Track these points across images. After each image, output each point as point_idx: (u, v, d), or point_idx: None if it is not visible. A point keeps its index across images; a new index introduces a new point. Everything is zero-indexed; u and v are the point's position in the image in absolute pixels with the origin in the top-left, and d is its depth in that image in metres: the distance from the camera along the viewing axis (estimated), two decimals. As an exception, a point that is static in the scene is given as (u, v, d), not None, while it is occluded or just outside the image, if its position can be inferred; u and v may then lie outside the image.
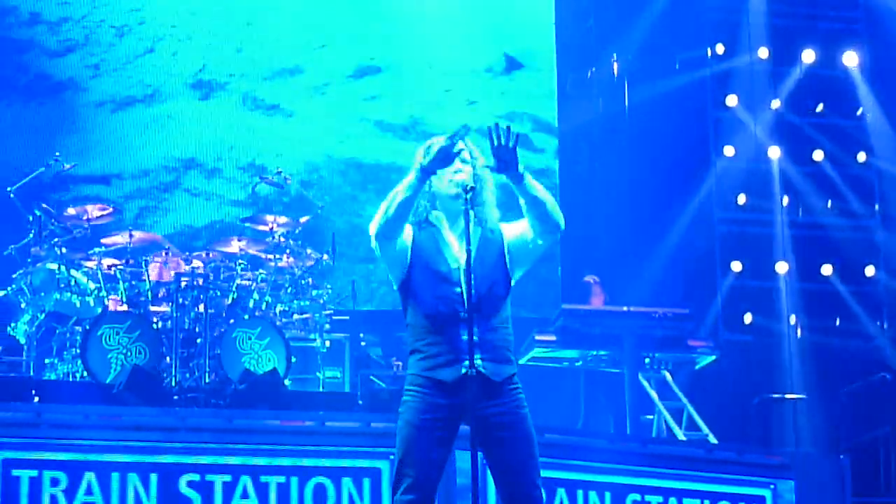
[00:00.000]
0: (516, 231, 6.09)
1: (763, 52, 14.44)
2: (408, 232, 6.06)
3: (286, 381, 10.80)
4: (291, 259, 11.68)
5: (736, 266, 14.17)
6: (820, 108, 14.65)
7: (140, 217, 11.67)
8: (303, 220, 11.91)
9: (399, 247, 6.03)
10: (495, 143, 5.85)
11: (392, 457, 5.98)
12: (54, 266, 11.11)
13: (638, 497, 9.34)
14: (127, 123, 13.80)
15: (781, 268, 14.17)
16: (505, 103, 14.56)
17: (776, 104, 14.43)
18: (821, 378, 13.69)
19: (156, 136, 13.86)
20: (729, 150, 14.35)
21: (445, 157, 5.91)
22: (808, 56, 14.46)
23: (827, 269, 14.29)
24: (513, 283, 6.09)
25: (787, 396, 12.68)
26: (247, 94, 14.21)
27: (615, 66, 14.83)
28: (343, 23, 14.31)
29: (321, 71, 14.28)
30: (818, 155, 14.46)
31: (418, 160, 6.03)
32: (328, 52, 14.29)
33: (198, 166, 13.79)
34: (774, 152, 14.37)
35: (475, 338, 5.82)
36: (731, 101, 14.36)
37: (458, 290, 5.93)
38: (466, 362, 5.82)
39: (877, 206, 14.47)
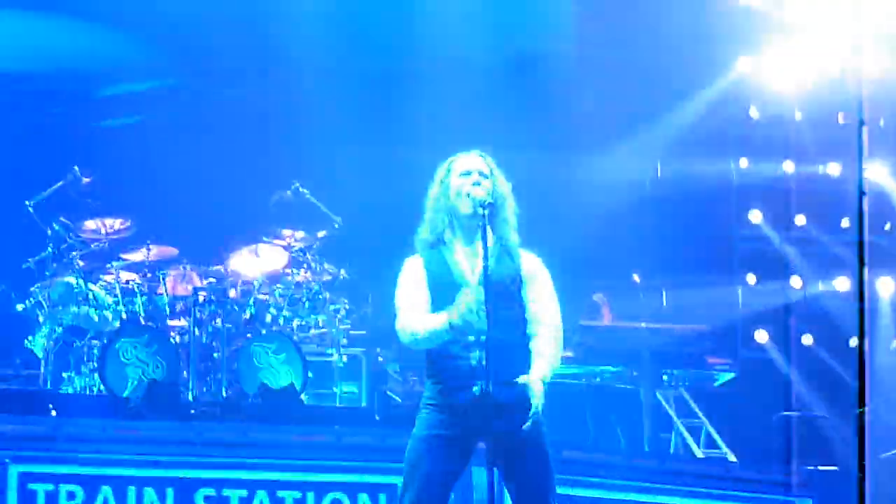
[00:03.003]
0: (532, 288, 6.04)
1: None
2: (418, 266, 6.07)
3: (303, 396, 10.79)
4: (309, 273, 11.68)
5: (751, 279, 14.16)
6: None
7: (158, 231, 11.65)
8: (320, 234, 11.91)
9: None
10: None
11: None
12: (72, 280, 11.11)
13: (655, 515, 9.33)
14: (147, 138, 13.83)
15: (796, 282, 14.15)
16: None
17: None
18: (840, 396, 13.63)
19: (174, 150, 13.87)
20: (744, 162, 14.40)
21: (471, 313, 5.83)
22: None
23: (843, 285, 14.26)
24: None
25: (807, 414, 12.62)
26: (264, 100, 14.22)
27: None
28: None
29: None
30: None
31: (438, 177, 6.06)
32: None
33: (215, 180, 13.78)
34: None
35: (483, 362, 5.78)
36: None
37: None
38: (476, 387, 5.80)
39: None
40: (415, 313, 5.96)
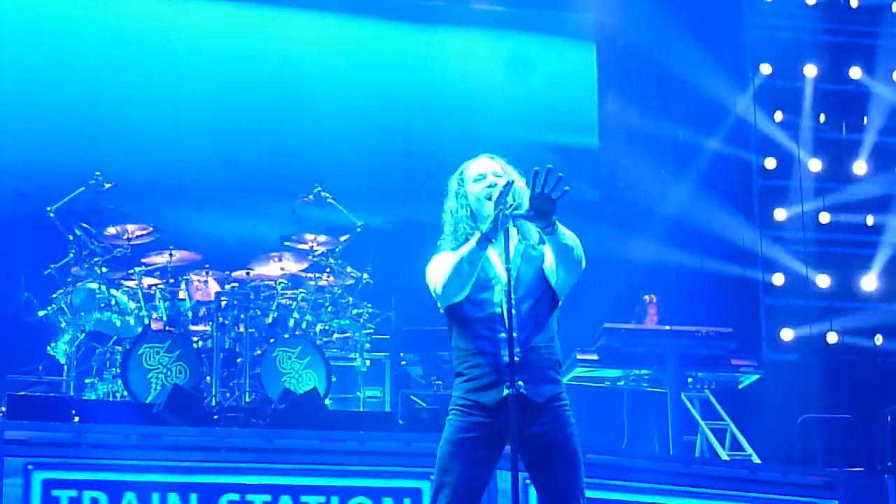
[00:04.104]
0: (551, 259, 5.95)
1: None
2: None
3: (326, 401, 10.78)
4: (332, 278, 11.67)
5: (777, 280, 14.12)
6: None
7: (180, 236, 11.65)
8: (343, 238, 11.90)
9: None
10: (537, 189, 5.64)
11: (432, 476, 5.92)
12: (94, 286, 11.12)
13: (681, 518, 9.29)
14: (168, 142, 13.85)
15: (822, 281, 14.11)
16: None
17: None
18: (864, 397, 13.58)
19: (195, 154, 13.89)
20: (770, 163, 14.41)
21: (504, 220, 5.76)
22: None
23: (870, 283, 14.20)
24: (560, 300, 6.01)
25: (832, 415, 12.57)
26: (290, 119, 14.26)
27: None
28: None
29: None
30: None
31: (452, 188, 6.02)
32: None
33: (239, 184, 13.80)
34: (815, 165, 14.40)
35: (516, 358, 5.73)
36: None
37: (499, 310, 5.86)
38: (508, 384, 5.74)
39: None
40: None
